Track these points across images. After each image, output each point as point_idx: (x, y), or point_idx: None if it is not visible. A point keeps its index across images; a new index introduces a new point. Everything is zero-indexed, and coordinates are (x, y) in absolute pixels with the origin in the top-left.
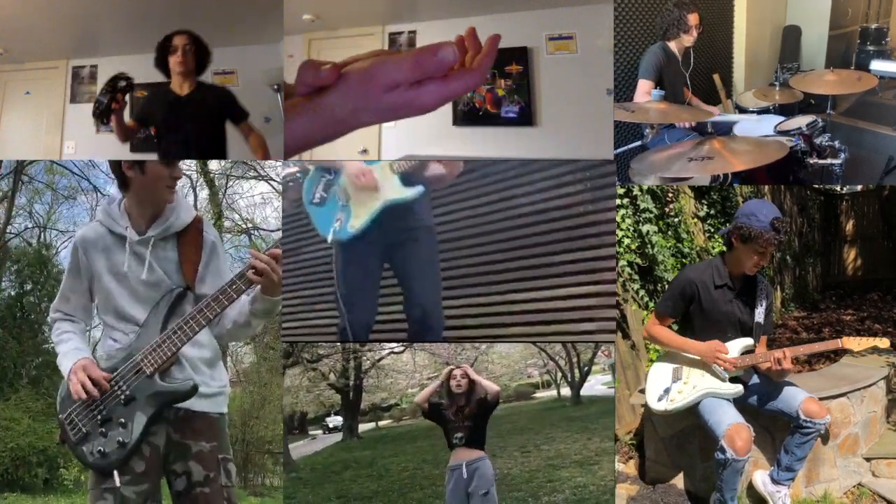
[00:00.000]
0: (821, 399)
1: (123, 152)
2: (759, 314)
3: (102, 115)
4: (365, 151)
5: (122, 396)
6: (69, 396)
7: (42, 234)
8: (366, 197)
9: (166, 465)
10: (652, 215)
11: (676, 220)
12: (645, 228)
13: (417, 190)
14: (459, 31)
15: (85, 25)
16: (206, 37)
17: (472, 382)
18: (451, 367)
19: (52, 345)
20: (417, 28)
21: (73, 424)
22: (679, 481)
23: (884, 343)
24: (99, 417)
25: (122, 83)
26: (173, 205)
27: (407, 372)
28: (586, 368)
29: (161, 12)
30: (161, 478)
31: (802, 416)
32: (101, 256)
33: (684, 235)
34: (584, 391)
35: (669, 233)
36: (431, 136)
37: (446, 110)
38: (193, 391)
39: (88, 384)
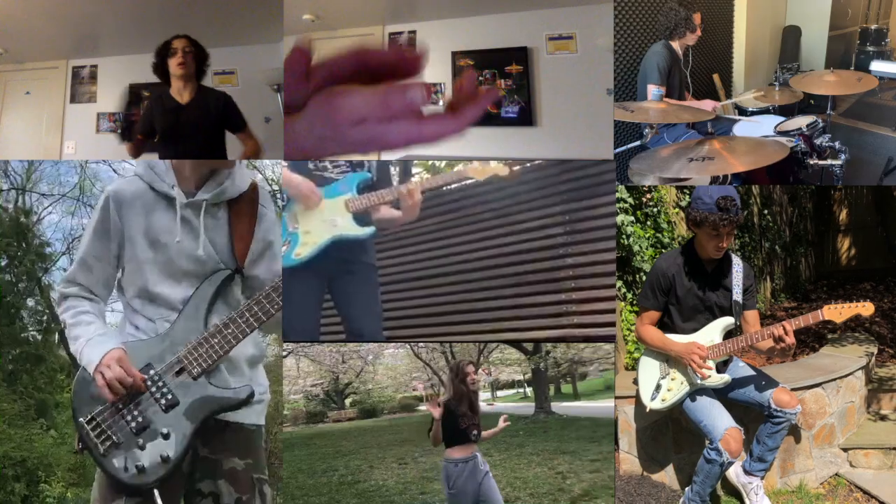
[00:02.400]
0: (794, 389)
1: (124, 152)
2: (737, 294)
3: (127, 135)
4: None
5: (163, 402)
6: (91, 395)
7: (20, 197)
8: (315, 226)
9: (191, 483)
10: (627, 205)
11: (655, 209)
12: (620, 219)
13: (369, 231)
14: (460, 31)
15: (85, 25)
16: (205, 37)
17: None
18: (458, 362)
19: (31, 333)
20: (417, 28)
21: (99, 431)
22: (654, 474)
23: (867, 310)
24: (134, 425)
25: (139, 91)
26: (231, 169)
27: (290, 377)
28: None
29: (161, 12)
30: (181, 499)
31: (773, 406)
32: (139, 217)
33: (664, 226)
34: None
35: (648, 223)
36: None
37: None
38: (250, 399)
39: (128, 380)
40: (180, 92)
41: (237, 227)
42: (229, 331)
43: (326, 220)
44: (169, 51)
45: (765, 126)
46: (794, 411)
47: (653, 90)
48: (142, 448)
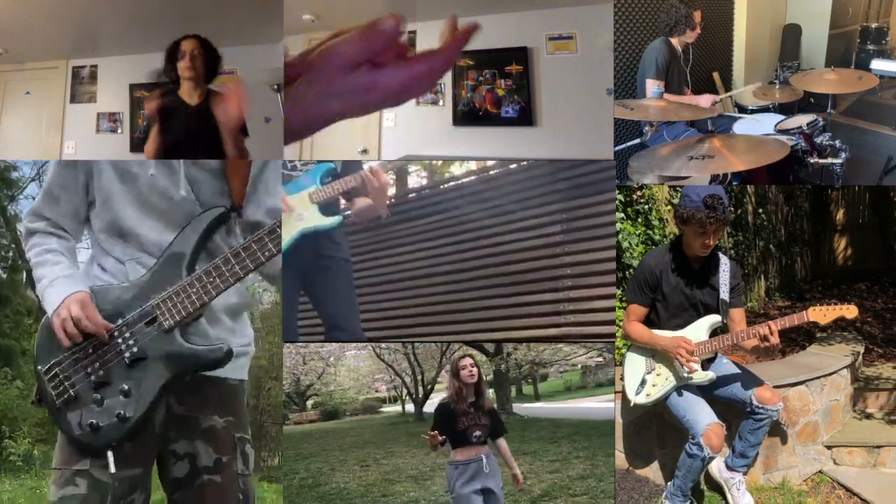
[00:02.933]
0: (778, 387)
1: (124, 152)
2: (724, 292)
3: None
4: (365, 151)
5: (128, 354)
6: (53, 342)
7: None
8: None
9: (164, 444)
10: (618, 202)
11: (647, 206)
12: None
13: (335, 220)
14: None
15: (85, 25)
16: (205, 37)
17: (480, 371)
18: (456, 358)
19: None
20: (417, 28)
21: (56, 381)
22: (639, 469)
23: (851, 312)
24: (94, 378)
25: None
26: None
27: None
28: (430, 386)
29: (161, 12)
30: (153, 460)
31: (755, 403)
32: None
33: (655, 223)
34: (427, 408)
35: (639, 220)
36: (431, 136)
37: (446, 110)
38: (227, 358)
39: (89, 327)
40: (189, 94)
41: (231, 162)
42: (210, 279)
43: (292, 216)
44: (178, 53)
45: (765, 124)
46: (775, 408)
47: (652, 88)
48: (99, 404)
